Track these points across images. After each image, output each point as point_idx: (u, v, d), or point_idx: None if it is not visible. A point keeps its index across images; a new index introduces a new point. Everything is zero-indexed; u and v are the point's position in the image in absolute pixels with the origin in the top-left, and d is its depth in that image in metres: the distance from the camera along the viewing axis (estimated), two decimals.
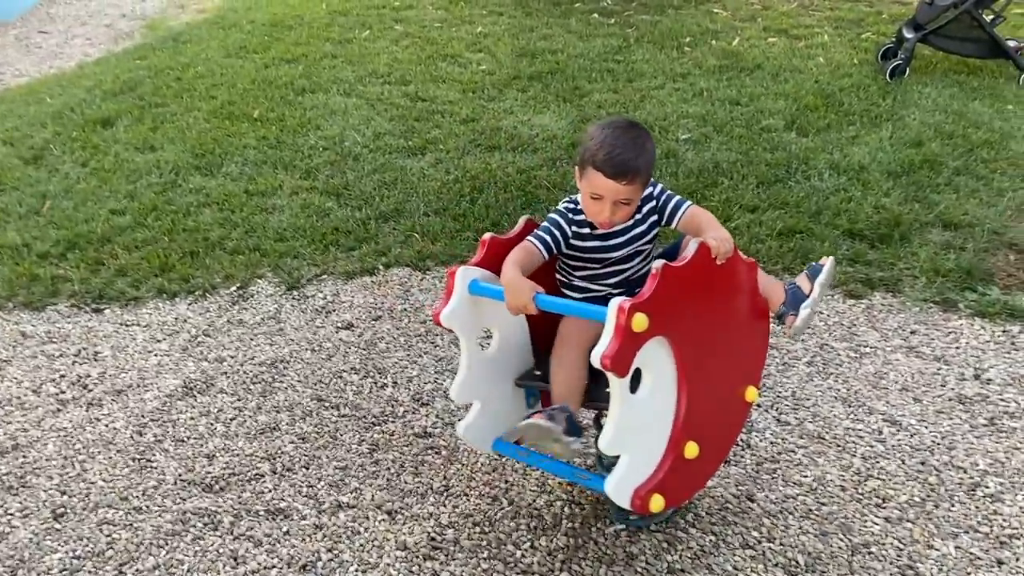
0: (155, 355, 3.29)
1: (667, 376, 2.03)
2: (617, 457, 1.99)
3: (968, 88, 5.41)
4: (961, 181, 4.25)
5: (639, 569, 2.26)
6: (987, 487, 2.50)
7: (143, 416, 2.95)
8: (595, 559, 2.30)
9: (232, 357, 3.26)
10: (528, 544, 2.36)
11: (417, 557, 2.34)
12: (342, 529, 2.44)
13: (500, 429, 2.31)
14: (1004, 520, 2.39)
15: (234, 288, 3.70)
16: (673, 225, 2.28)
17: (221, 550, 2.38)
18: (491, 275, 2.22)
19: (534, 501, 2.51)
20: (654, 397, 2.01)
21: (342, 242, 4.02)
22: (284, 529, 2.45)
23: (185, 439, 2.83)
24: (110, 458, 2.76)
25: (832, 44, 6.46)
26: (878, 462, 2.62)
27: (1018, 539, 2.32)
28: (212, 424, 2.90)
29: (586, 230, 2.26)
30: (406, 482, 2.61)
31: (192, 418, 2.93)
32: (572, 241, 2.26)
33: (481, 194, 4.32)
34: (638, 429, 1.99)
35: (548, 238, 2.24)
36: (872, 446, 2.68)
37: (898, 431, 2.74)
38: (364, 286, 3.71)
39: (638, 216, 2.26)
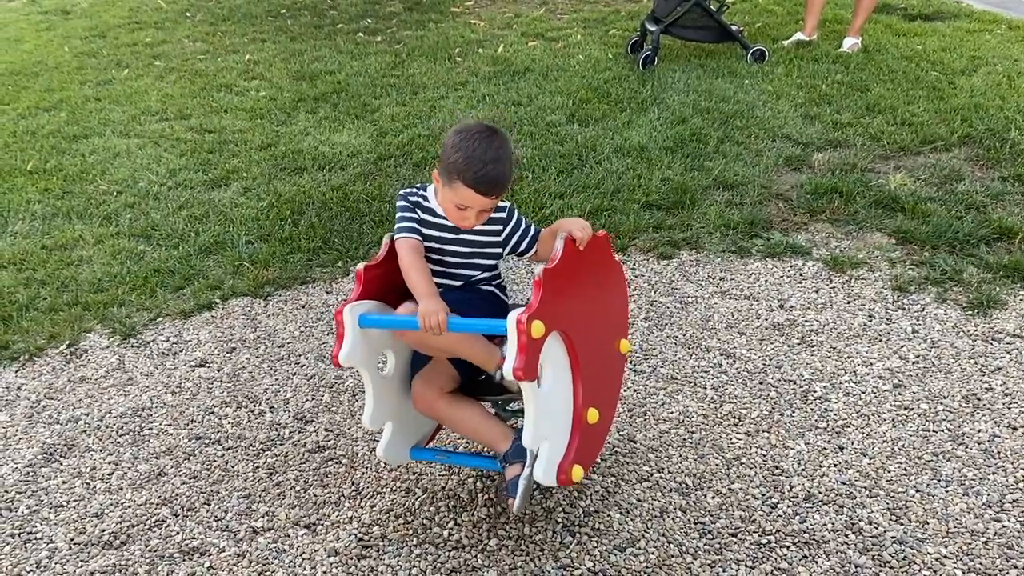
0: None
1: (562, 362, 2.22)
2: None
3: (710, 69, 6.17)
4: (726, 148, 4.88)
5: (559, 519, 2.48)
6: (815, 392, 2.98)
7: (6, 491, 2.73)
8: (517, 521, 2.49)
9: (87, 415, 3.09)
10: (452, 523, 2.50)
11: (351, 559, 2.40)
12: (266, 552, 2.45)
13: (413, 440, 2.45)
14: (835, 415, 2.86)
15: (63, 347, 3.48)
16: (529, 255, 2.45)
17: None
18: (375, 304, 2.31)
19: (446, 484, 2.65)
20: (556, 384, 2.20)
21: (167, 282, 3.89)
22: (206, 565, 2.41)
23: (64, 503, 2.67)
24: None
25: (586, 43, 7.07)
26: (726, 389, 3.02)
27: (849, 427, 2.80)
28: (89, 483, 2.75)
29: (425, 205, 2.36)
30: (316, 495, 2.65)
31: (64, 482, 2.76)
32: (422, 228, 2.34)
33: (303, 215, 4.35)
34: (550, 417, 2.18)
35: (410, 223, 2.33)
36: (717, 377, 3.09)
37: (734, 361, 3.17)
38: (206, 322, 3.63)
39: (491, 224, 2.38)
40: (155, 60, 7.17)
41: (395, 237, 2.34)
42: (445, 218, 2.35)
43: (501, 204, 2.39)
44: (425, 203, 2.38)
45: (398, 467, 2.73)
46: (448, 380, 2.40)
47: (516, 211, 2.45)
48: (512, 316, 2.01)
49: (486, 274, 2.45)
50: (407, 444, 2.48)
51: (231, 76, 6.60)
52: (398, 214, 2.37)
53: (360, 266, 2.31)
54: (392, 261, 2.35)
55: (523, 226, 2.44)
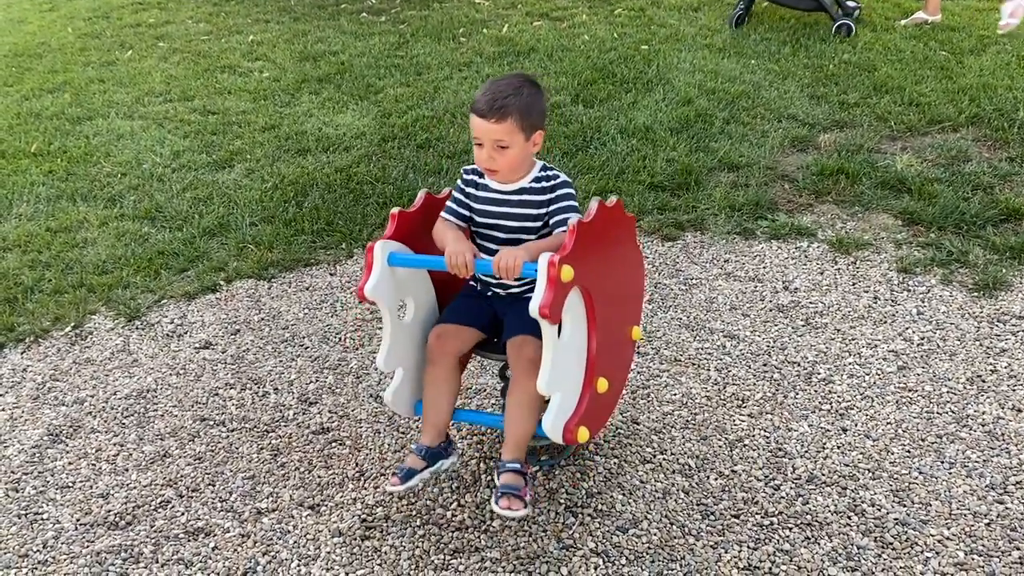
0: (2, 409, 3.05)
1: (581, 318, 2.26)
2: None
3: (715, 49, 6.12)
4: (731, 129, 4.85)
5: (562, 500, 2.49)
6: (819, 373, 2.97)
7: (13, 471, 2.75)
8: None
9: (92, 396, 3.10)
10: (455, 503, 2.51)
11: (354, 540, 2.41)
12: (271, 532, 2.46)
13: (420, 393, 2.47)
14: (838, 397, 2.86)
15: (68, 329, 3.49)
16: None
17: None
18: (404, 247, 2.36)
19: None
20: (573, 340, 2.23)
21: (171, 264, 3.90)
22: (211, 545, 2.43)
23: (70, 484, 2.69)
24: None
25: (591, 22, 7.02)
26: (730, 371, 3.02)
27: (853, 409, 2.80)
28: (95, 464, 2.77)
29: (478, 181, 2.38)
30: (320, 476, 2.66)
31: (71, 463, 2.78)
32: (471, 203, 2.39)
33: (306, 197, 4.34)
34: (564, 369, 2.21)
35: (453, 204, 2.40)
36: (721, 359, 3.08)
37: (738, 343, 3.16)
38: (210, 304, 3.63)
39: (533, 184, 2.34)
40: (159, 41, 7.15)
41: (441, 213, 2.42)
42: (491, 189, 2.37)
43: (554, 174, 2.36)
44: (479, 178, 2.41)
45: (401, 449, 2.74)
46: (465, 343, 2.45)
47: (566, 188, 2.35)
48: (545, 256, 2.07)
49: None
50: (413, 395, 2.50)
51: (235, 57, 6.58)
52: (453, 191, 2.45)
53: (395, 209, 2.36)
54: (424, 217, 2.41)
55: (562, 204, 2.33)
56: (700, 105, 5.13)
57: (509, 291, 2.46)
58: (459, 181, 2.43)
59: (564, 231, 2.23)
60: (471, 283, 2.56)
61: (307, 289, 3.69)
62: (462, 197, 2.42)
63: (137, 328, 3.49)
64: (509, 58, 6.21)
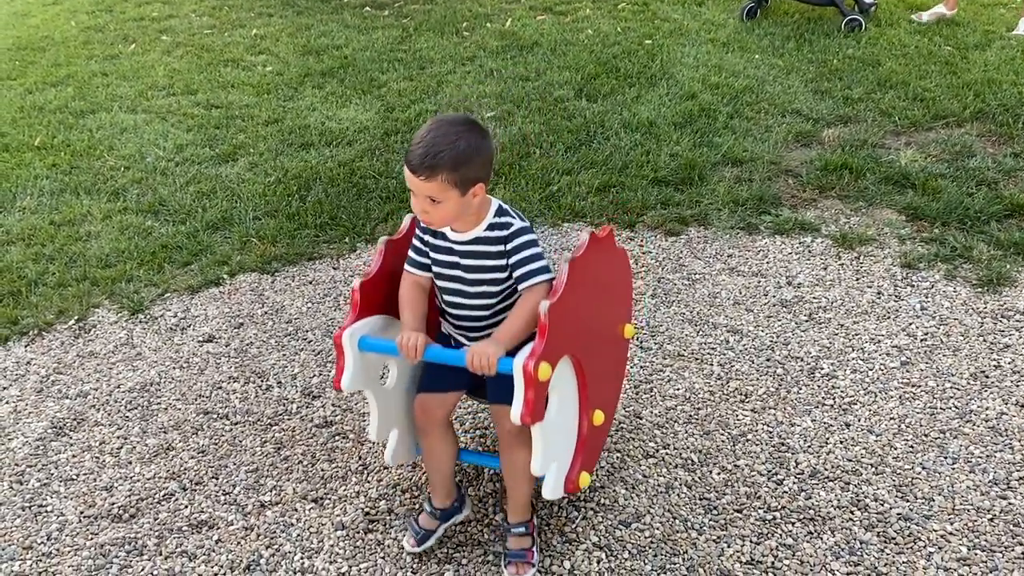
0: (6, 402, 3.06)
1: (568, 383, 2.16)
2: None
3: (719, 44, 6.10)
4: (735, 124, 4.84)
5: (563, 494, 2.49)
6: (822, 368, 2.97)
7: (17, 464, 2.76)
8: None
9: (96, 389, 3.11)
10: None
11: (358, 533, 2.42)
12: (274, 525, 2.47)
13: (415, 439, 2.45)
14: (841, 392, 2.86)
15: (72, 322, 3.49)
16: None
17: (155, 572, 2.33)
18: (376, 319, 2.26)
19: None
20: (562, 407, 2.14)
21: (175, 258, 3.90)
22: (215, 538, 2.43)
23: (74, 477, 2.69)
24: None
25: (595, 17, 7.00)
26: (733, 366, 3.02)
27: (856, 404, 2.79)
28: (99, 457, 2.77)
29: (434, 230, 2.23)
30: (323, 470, 2.67)
31: (74, 455, 2.79)
32: (430, 253, 2.25)
33: (309, 191, 4.34)
34: (556, 438, 2.14)
35: (413, 254, 2.28)
36: (724, 354, 3.08)
37: (741, 338, 3.16)
38: (213, 297, 3.63)
39: (487, 232, 2.17)
40: (162, 35, 7.14)
41: (405, 264, 2.31)
42: (446, 238, 2.22)
43: (507, 221, 2.17)
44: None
45: None
46: (451, 405, 2.37)
47: (522, 235, 2.16)
48: (519, 362, 1.94)
49: (499, 306, 2.25)
50: (412, 444, 2.48)
51: (238, 51, 6.57)
52: (413, 239, 2.31)
53: (356, 283, 2.22)
54: (402, 247, 2.32)
55: (522, 256, 2.15)
56: (704, 100, 5.12)
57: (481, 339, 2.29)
58: (417, 229, 2.28)
59: (530, 286, 2.13)
60: (443, 333, 2.40)
61: (310, 283, 3.69)
62: (420, 245, 2.27)
63: (141, 321, 3.50)
64: (512, 52, 6.20)
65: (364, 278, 2.25)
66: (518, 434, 2.15)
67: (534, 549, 2.28)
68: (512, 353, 2.01)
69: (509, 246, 2.16)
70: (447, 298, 2.29)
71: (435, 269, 2.27)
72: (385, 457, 2.42)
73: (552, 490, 2.17)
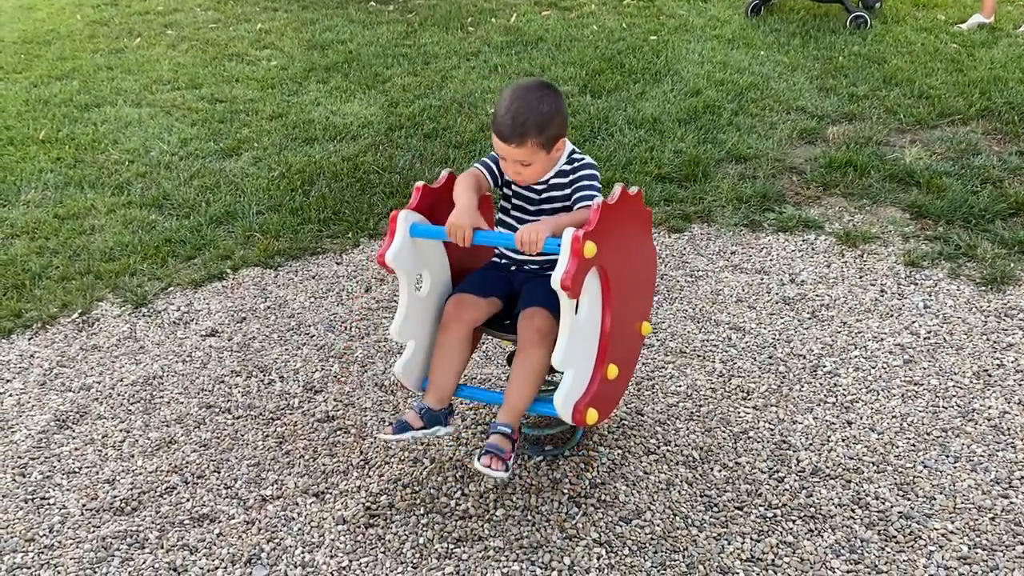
0: (9, 395, 3.07)
1: (597, 301, 2.28)
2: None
3: (724, 40, 6.09)
4: (739, 120, 4.83)
5: (565, 490, 2.49)
6: (825, 367, 2.97)
7: (20, 456, 2.77)
8: (524, 491, 2.50)
9: (99, 383, 3.11)
10: (459, 492, 2.52)
11: (358, 528, 2.42)
12: (275, 519, 2.47)
13: (428, 369, 2.47)
14: (844, 390, 2.85)
15: (75, 315, 3.50)
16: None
17: (156, 565, 2.34)
18: (425, 220, 2.39)
19: (454, 455, 2.66)
20: (589, 319, 2.25)
21: (178, 252, 3.91)
22: (216, 532, 2.44)
23: (77, 470, 2.70)
24: None
25: (600, 12, 6.99)
26: (735, 363, 3.01)
27: (858, 402, 2.79)
28: (101, 450, 2.78)
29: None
30: (324, 464, 2.67)
31: (77, 448, 2.79)
32: (505, 186, 2.45)
33: (313, 186, 4.35)
34: (579, 347, 2.23)
35: (492, 165, 2.43)
36: (726, 351, 3.08)
37: (744, 335, 3.16)
38: (217, 291, 3.64)
39: (559, 174, 2.37)
40: (167, 29, 7.15)
41: (475, 164, 2.45)
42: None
43: (577, 157, 2.39)
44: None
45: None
46: (482, 313, 2.44)
47: (588, 169, 2.37)
48: (569, 231, 2.08)
49: None
50: (423, 370, 2.49)
51: (243, 45, 6.58)
52: (485, 158, 2.47)
53: (420, 183, 2.38)
54: (447, 195, 2.41)
55: (583, 183, 2.35)
56: (708, 96, 5.11)
57: (530, 267, 2.49)
58: (493, 151, 2.43)
59: (585, 207, 2.27)
60: (494, 259, 2.58)
61: (313, 278, 3.69)
62: (495, 168, 2.43)
63: (144, 315, 3.50)
64: (517, 48, 6.19)
65: (424, 183, 2.40)
66: (545, 334, 2.27)
67: (512, 455, 2.29)
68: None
69: (575, 176, 2.36)
70: (514, 223, 2.44)
71: (509, 201, 2.45)
72: (395, 367, 2.45)
73: (563, 402, 2.22)
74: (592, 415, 2.26)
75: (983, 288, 3.33)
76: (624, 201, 2.27)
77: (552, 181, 2.39)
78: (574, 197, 2.36)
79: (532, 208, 2.43)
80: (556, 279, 2.08)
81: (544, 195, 2.41)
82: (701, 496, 2.46)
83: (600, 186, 2.38)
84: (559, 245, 2.11)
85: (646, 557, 2.28)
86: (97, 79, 6.00)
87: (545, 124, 2.25)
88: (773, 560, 2.25)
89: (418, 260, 2.41)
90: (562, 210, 2.38)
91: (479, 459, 2.25)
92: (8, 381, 3.15)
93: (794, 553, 2.26)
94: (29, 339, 3.39)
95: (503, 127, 2.25)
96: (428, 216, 2.41)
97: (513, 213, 2.48)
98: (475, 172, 2.43)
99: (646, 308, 2.60)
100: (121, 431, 2.87)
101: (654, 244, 2.60)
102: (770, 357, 3.03)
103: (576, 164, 2.39)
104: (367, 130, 4.95)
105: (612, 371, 2.33)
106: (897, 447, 2.59)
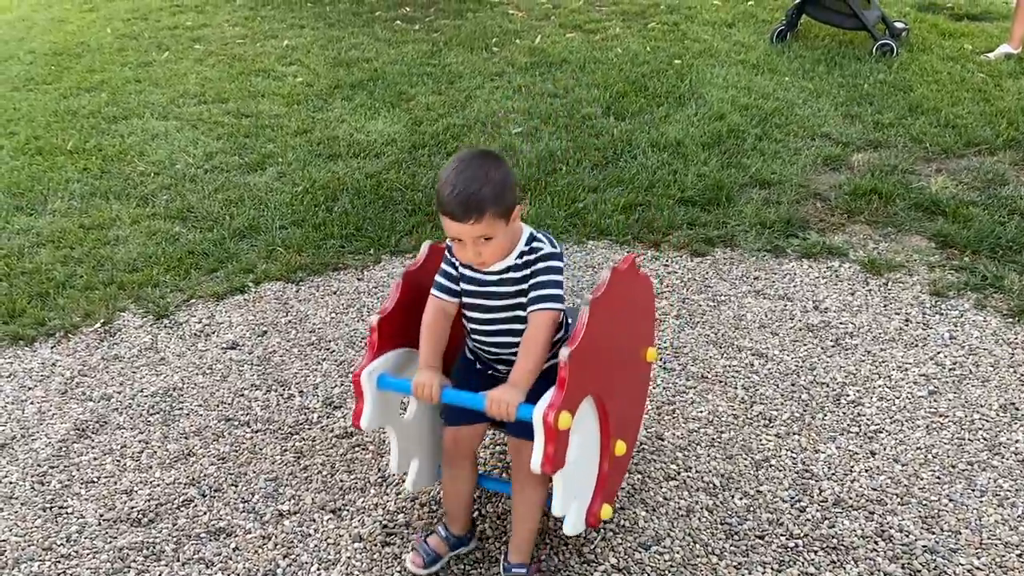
0: (31, 403, 3.09)
1: (590, 422, 2.14)
2: None
3: (749, 65, 6.09)
4: (763, 146, 4.81)
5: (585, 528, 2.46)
6: (848, 395, 2.93)
7: (39, 465, 2.78)
8: (542, 514, 2.47)
9: (119, 393, 3.12)
10: (476, 514, 2.50)
11: (375, 546, 2.41)
12: (292, 535, 2.46)
13: (437, 461, 2.44)
14: (868, 420, 2.82)
15: (98, 325, 3.52)
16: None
17: None
18: (395, 355, 2.24)
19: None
20: (584, 446, 2.10)
21: (201, 264, 3.93)
22: (232, 546, 2.43)
23: (95, 480, 2.70)
24: (16, 512, 2.59)
25: (624, 35, 7.01)
26: (757, 389, 2.98)
27: (882, 432, 2.75)
28: (120, 460, 2.78)
29: (462, 265, 2.20)
30: (342, 480, 2.66)
31: (95, 458, 2.80)
32: (462, 284, 2.21)
33: (336, 202, 4.37)
34: (577, 478, 2.11)
35: (446, 283, 2.22)
36: (749, 377, 3.05)
37: (766, 361, 3.13)
38: (238, 305, 3.65)
39: (517, 261, 2.13)
40: (195, 43, 7.23)
41: (432, 289, 2.24)
42: (474, 269, 2.18)
43: (537, 246, 2.13)
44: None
45: None
46: (480, 436, 2.34)
47: (547, 261, 2.11)
48: (539, 411, 1.90)
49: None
50: (433, 470, 2.47)
51: (269, 61, 6.64)
52: (442, 263, 2.26)
53: (374, 320, 2.19)
54: (432, 268, 2.27)
55: (540, 280, 2.10)
56: (732, 121, 5.10)
57: (507, 369, 2.21)
58: (447, 252, 2.23)
59: (541, 310, 2.06)
60: (468, 356, 2.35)
61: (334, 293, 3.70)
62: (451, 270, 2.22)
63: (165, 327, 3.52)
64: (541, 69, 6.22)
65: (381, 314, 2.20)
66: (532, 473, 2.04)
67: (537, 573, 2.25)
68: (533, 394, 1.98)
69: (532, 269, 2.12)
70: (474, 326, 2.24)
71: (465, 299, 2.22)
72: (406, 486, 2.40)
73: (573, 526, 2.15)
74: (607, 511, 2.21)
75: (1010, 320, 3.28)
76: (596, 312, 2.01)
77: (512, 265, 2.13)
78: (531, 296, 2.10)
79: (491, 303, 2.18)
80: (535, 465, 1.92)
81: (500, 278, 2.15)
82: (722, 524, 2.43)
83: (562, 279, 2.12)
84: (531, 415, 1.92)
85: None
86: (125, 91, 6.08)
87: (499, 192, 2.02)
88: None
89: (396, 400, 2.29)
90: (516, 307, 2.15)
91: None
92: (30, 389, 3.17)
93: None
94: (52, 348, 3.41)
95: (454, 207, 1.99)
96: (405, 317, 2.23)
97: (471, 315, 2.23)
98: (436, 305, 2.21)
99: (648, 335, 2.48)
100: (140, 442, 2.87)
101: (643, 274, 2.40)
102: (793, 384, 3.00)
103: (537, 254, 2.12)
104: (391, 148, 4.98)
105: (620, 448, 2.23)
106: (922, 479, 2.55)
